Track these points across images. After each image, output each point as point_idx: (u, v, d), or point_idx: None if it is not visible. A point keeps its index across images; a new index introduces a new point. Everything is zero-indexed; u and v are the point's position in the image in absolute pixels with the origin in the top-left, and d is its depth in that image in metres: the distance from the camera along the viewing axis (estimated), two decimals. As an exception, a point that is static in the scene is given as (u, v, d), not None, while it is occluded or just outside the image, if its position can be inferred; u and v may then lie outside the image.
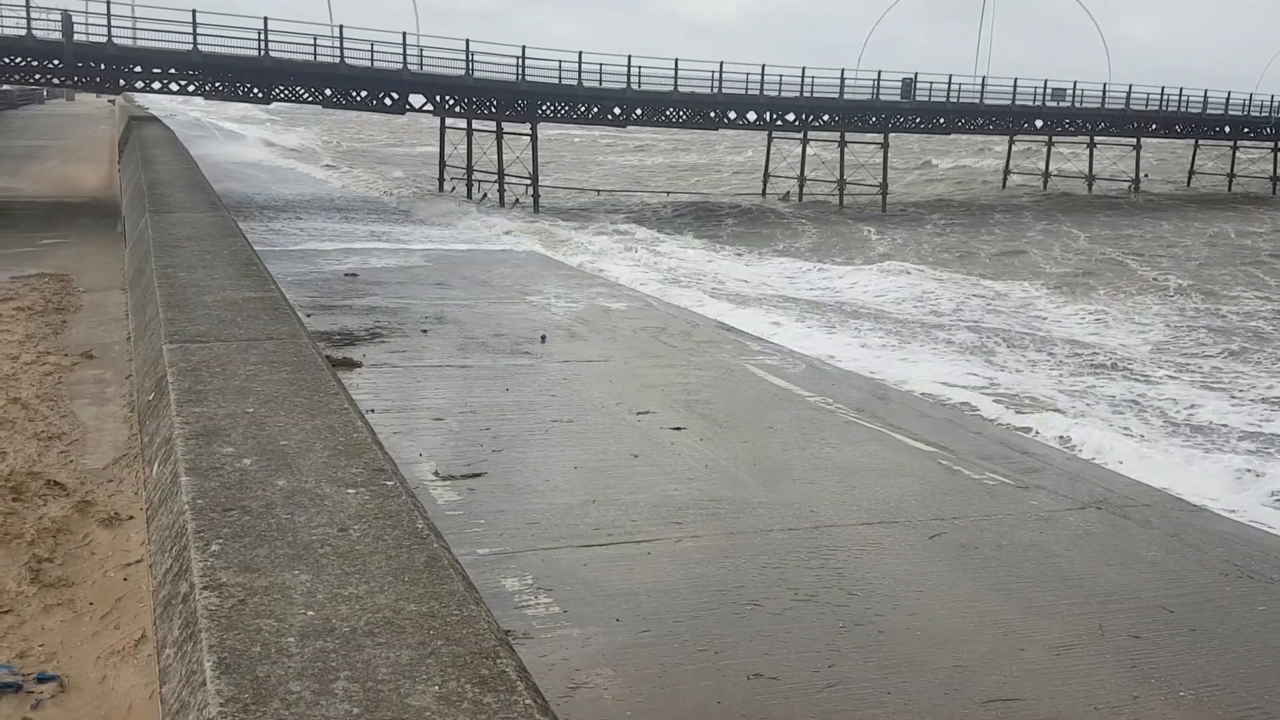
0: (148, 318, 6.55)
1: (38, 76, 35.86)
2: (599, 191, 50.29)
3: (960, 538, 8.23)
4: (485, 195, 42.13)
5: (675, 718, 5.60)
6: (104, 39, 33.52)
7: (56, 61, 33.82)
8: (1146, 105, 53.88)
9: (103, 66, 34.61)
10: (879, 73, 46.41)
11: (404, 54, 37.45)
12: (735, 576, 7.31)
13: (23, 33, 32.74)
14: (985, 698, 5.91)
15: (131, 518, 5.48)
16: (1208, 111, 56.19)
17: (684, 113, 43.75)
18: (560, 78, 40.43)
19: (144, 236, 9.65)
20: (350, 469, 3.64)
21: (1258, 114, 57.90)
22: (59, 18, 33.12)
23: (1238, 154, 60.55)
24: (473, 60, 38.57)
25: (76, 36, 33.37)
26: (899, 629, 6.67)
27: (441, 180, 44.63)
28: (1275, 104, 58.21)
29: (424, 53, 38.50)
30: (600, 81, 41.35)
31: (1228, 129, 58.44)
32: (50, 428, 7.06)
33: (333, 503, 3.32)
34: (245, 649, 2.43)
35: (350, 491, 3.43)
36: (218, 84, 36.05)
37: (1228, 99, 56.58)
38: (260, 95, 36.78)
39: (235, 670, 2.34)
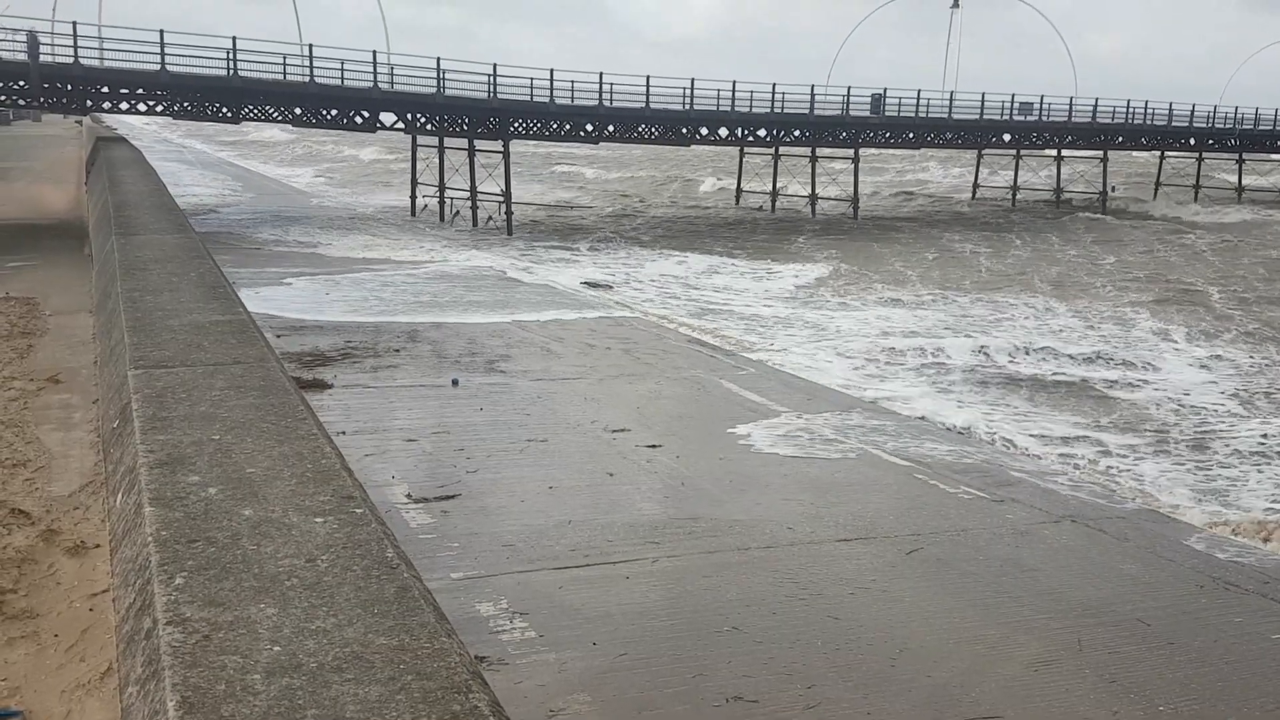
0: (113, 342, 6.44)
1: (3, 98, 35.49)
2: (573, 208, 50.25)
3: (937, 553, 8.22)
4: (458, 213, 41.95)
5: (654, 742, 5.53)
6: (70, 59, 33.22)
7: (22, 82, 33.46)
8: (1113, 118, 54.50)
9: (69, 87, 34.29)
10: (849, 88, 46.72)
11: (374, 72, 37.32)
12: (714, 597, 7.26)
13: (-12, 54, 32.41)
14: (965, 716, 5.88)
15: (98, 546, 5.36)
16: (1173, 124, 56.93)
17: (656, 129, 43.86)
18: (532, 95, 40.42)
19: (110, 259, 9.53)
20: (318, 496, 3.56)
21: (1221, 125, 58.75)
22: (24, 38, 32.80)
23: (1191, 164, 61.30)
24: (444, 78, 38.50)
25: (43, 57, 33.05)
26: (878, 647, 6.64)
27: (414, 199, 44.31)
28: (1239, 115, 59.06)
29: (394, 71, 38.41)
30: (572, 99, 41.37)
31: (1192, 141, 59.24)
32: (15, 454, 6.91)
33: (300, 532, 3.24)
34: (209, 687, 2.36)
35: (318, 520, 3.35)
36: (186, 104, 35.83)
37: (1192, 111, 57.42)
38: (229, 115, 36.53)
39: (199, 709, 2.27)
